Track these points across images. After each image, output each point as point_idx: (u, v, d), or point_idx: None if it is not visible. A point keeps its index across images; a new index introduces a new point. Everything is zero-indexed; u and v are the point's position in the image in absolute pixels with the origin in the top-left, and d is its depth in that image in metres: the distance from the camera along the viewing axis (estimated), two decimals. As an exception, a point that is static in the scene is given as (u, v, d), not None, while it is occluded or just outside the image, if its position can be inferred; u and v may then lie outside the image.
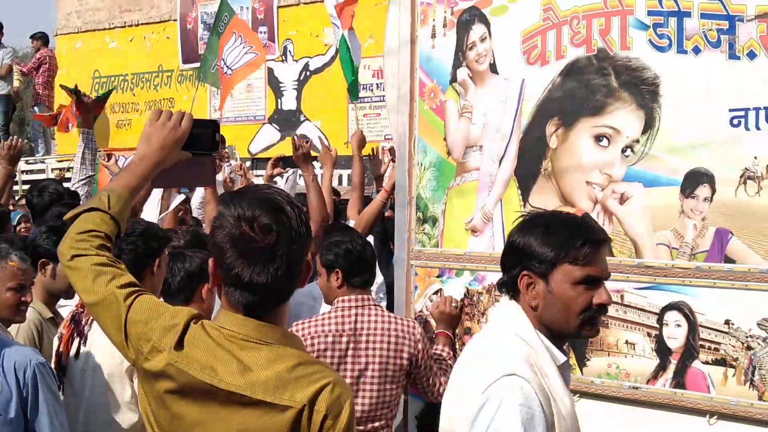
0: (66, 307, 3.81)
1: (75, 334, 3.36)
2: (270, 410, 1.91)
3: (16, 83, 14.25)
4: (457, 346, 3.55)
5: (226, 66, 8.82)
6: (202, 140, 2.29)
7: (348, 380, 3.36)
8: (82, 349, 3.33)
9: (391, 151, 6.09)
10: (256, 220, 1.92)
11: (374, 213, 5.30)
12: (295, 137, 5.91)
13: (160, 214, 5.80)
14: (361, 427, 3.39)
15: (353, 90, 7.57)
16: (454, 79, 3.48)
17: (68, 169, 13.45)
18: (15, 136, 6.66)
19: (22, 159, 7.36)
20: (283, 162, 6.53)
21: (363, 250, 3.63)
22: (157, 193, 5.99)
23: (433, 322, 3.61)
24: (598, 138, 3.12)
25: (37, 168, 13.94)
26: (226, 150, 9.60)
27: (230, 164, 8.39)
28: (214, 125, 2.35)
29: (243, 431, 1.94)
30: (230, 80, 9.07)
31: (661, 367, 3.02)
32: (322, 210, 4.71)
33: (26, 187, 10.75)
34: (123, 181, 2.24)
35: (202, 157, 2.33)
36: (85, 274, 2.11)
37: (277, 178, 6.80)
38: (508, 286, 2.25)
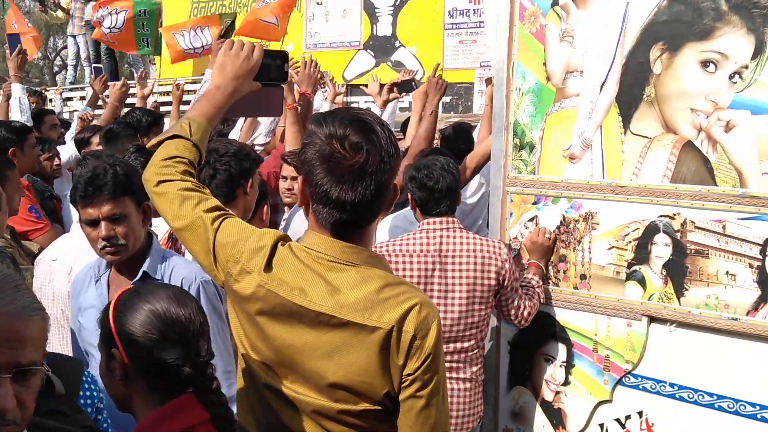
0: (158, 227, 3.94)
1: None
2: (359, 331, 1.95)
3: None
4: (551, 274, 3.55)
5: None
6: (272, 71, 2.34)
7: (435, 301, 3.40)
8: None
9: (488, 81, 6.01)
10: (347, 138, 1.94)
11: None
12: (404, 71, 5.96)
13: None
14: (451, 347, 3.44)
15: None
16: (555, 2, 3.39)
17: (167, 93, 13.73)
18: (124, 78, 6.81)
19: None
20: (399, 87, 6.53)
21: (434, 183, 3.58)
22: (239, 123, 6.11)
23: (526, 253, 3.61)
24: (705, 63, 3.03)
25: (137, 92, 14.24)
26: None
27: (326, 90, 8.39)
28: (283, 56, 2.39)
29: (332, 351, 1.99)
30: None
31: (763, 299, 2.96)
32: (426, 143, 4.68)
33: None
34: (202, 109, 2.28)
35: (271, 88, 2.37)
36: (172, 199, 2.16)
37: (372, 105, 6.80)
38: None
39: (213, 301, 3.05)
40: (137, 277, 3.01)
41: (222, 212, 2.17)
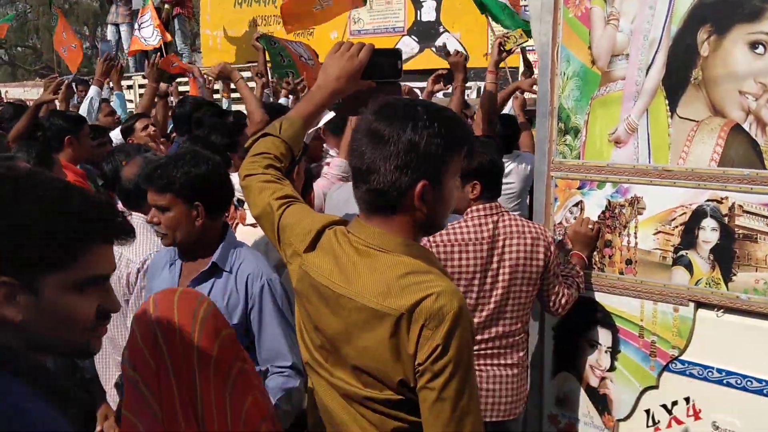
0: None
1: None
2: (373, 317, 1.95)
3: None
4: (596, 259, 3.53)
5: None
6: (385, 69, 2.43)
7: (487, 287, 3.40)
8: None
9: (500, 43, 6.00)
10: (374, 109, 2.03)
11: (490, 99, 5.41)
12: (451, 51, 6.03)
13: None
14: (500, 330, 3.45)
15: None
16: (600, -15, 3.37)
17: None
18: (155, 56, 6.93)
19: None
20: (445, 78, 6.53)
21: (501, 164, 3.72)
22: None
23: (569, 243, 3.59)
24: (754, 45, 2.98)
25: (183, 80, 14.35)
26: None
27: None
28: (396, 54, 2.47)
29: (351, 335, 2.00)
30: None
31: (813, 284, 2.92)
32: None
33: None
34: (299, 109, 2.42)
35: (385, 85, 2.45)
36: (252, 190, 2.32)
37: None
38: None
39: (278, 300, 3.08)
40: (207, 267, 3.08)
41: (289, 199, 2.27)
